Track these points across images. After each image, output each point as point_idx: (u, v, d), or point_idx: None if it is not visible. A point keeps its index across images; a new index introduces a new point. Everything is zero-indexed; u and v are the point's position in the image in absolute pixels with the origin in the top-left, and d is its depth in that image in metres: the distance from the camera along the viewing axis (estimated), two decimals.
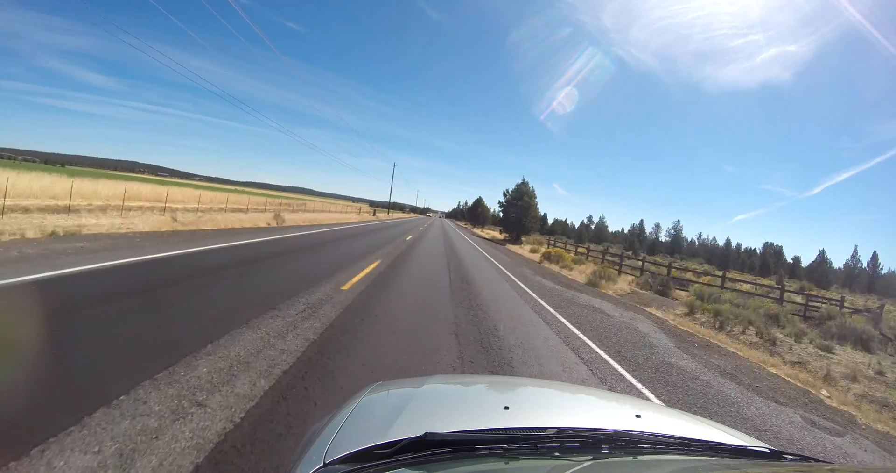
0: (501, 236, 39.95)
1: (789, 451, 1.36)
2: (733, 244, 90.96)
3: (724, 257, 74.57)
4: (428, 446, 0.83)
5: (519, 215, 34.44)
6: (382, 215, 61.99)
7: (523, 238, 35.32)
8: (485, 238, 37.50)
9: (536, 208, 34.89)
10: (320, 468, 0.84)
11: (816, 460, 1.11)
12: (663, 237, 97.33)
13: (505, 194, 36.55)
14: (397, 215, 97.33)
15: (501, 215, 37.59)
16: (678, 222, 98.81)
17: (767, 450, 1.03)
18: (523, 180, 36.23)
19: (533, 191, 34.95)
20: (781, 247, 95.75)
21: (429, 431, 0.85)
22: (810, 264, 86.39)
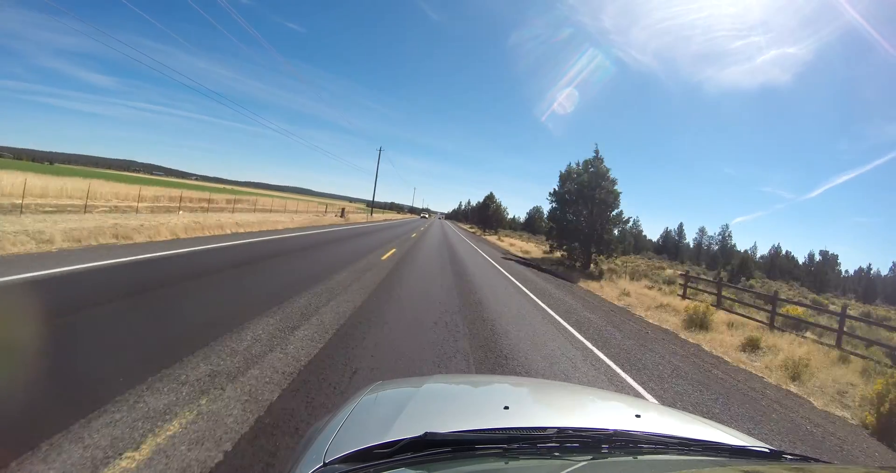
0: (548, 253, 23.46)
1: (789, 451, 1.14)
2: (750, 248, 73.39)
3: (817, 277, 56.84)
4: (428, 446, 0.82)
5: (595, 217, 17.67)
6: (358, 217, 44.84)
7: (601, 263, 19.15)
8: (518, 257, 21.46)
9: (619, 206, 18.60)
10: (320, 467, 0.82)
11: (816, 460, 1.08)
12: (699, 244, 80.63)
13: (564, 179, 19.31)
14: (385, 216, 76.05)
15: (552, 216, 20.65)
16: (726, 226, 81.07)
17: (767, 450, 1.01)
18: (596, 152, 18.59)
19: (611, 175, 18.70)
20: (837, 256, 79.10)
21: (429, 431, 0.84)
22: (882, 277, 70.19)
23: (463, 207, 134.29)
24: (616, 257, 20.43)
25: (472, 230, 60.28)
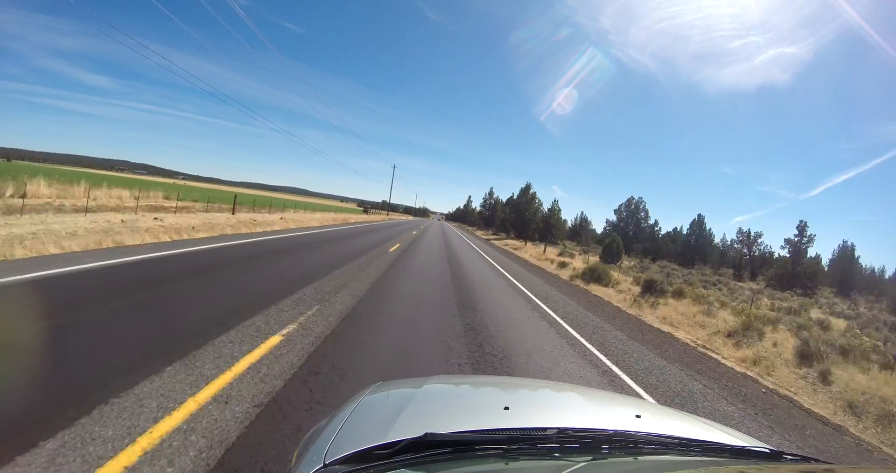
0: None
1: (789, 451, 1.16)
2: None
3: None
4: (428, 446, 0.82)
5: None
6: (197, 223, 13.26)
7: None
8: None
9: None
10: (320, 468, 0.82)
11: (816, 460, 1.06)
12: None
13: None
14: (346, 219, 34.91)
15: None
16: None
17: (767, 450, 1.01)
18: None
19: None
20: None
21: (429, 431, 0.84)
22: None
23: (474, 206, 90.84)
24: None
25: (516, 251, 24.54)
